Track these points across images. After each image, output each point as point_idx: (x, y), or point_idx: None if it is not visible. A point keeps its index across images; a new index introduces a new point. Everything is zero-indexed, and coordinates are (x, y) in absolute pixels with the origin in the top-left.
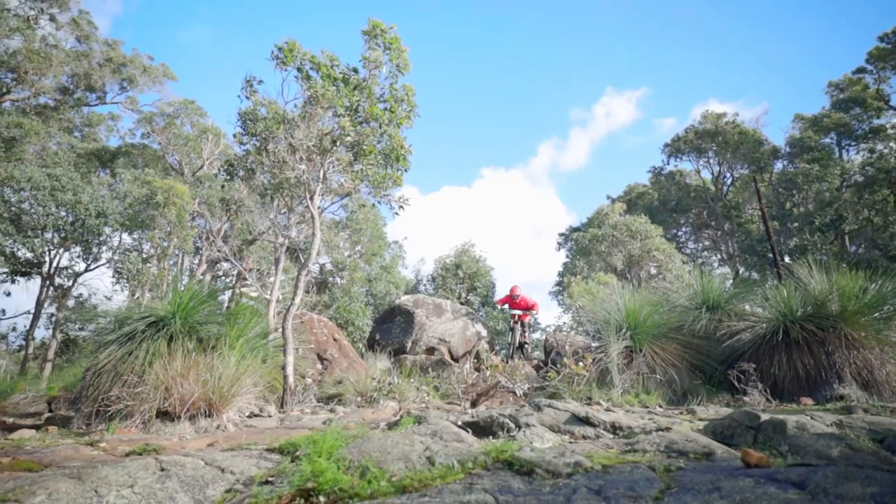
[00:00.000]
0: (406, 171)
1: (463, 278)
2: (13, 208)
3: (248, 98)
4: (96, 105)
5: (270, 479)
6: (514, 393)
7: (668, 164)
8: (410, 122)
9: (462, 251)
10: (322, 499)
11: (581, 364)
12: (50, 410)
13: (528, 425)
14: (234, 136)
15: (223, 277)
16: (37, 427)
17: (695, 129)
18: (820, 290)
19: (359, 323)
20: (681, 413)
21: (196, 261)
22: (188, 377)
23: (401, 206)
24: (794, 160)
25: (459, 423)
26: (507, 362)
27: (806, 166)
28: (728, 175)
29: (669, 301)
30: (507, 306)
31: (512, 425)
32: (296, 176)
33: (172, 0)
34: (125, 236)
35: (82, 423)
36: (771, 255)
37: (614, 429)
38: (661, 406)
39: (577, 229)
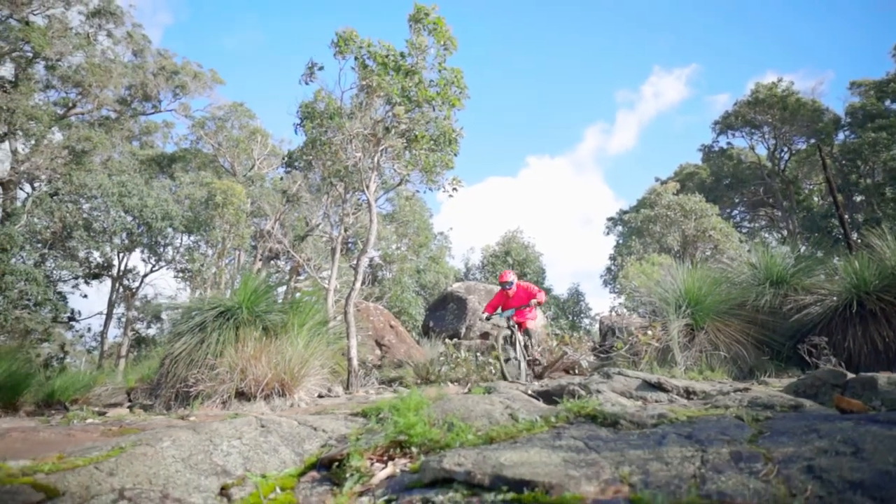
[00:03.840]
0: (456, 154)
1: (512, 265)
2: (86, 215)
3: (307, 83)
4: (152, 113)
5: (360, 436)
6: (580, 365)
7: (719, 141)
8: (462, 104)
9: (510, 238)
10: (414, 449)
11: (650, 333)
12: (129, 400)
13: (598, 391)
14: (294, 126)
15: (277, 274)
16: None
17: (746, 102)
18: None
19: (412, 311)
20: (751, 385)
21: (251, 259)
22: (260, 360)
23: (454, 189)
24: (855, 130)
25: (529, 392)
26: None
27: (872, 135)
28: (785, 150)
29: (729, 278)
30: (499, 312)
31: (583, 393)
32: (353, 164)
33: (219, 8)
34: (185, 237)
35: (163, 408)
36: (836, 230)
37: (688, 393)
38: (727, 381)
39: (626, 212)
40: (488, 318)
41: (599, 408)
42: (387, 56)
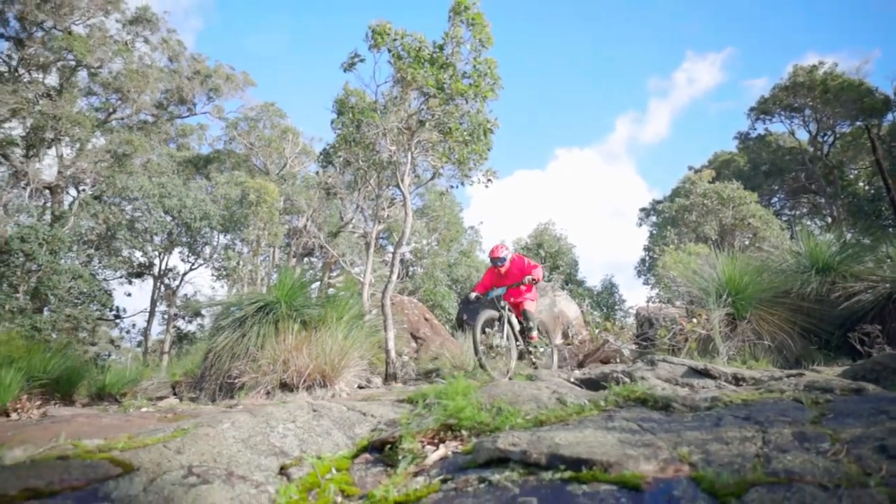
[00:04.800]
0: (489, 149)
1: (544, 257)
2: (129, 216)
3: (345, 71)
4: (187, 116)
5: (410, 420)
6: (622, 354)
7: (756, 127)
8: (495, 95)
9: (542, 230)
10: (464, 432)
11: (695, 321)
12: (174, 393)
13: (643, 378)
14: (332, 122)
15: (310, 271)
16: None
17: (784, 85)
18: None
19: (445, 305)
20: (804, 372)
21: (285, 256)
22: (301, 352)
23: (489, 180)
24: None
25: (572, 379)
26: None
27: None
28: (828, 134)
29: (771, 267)
30: (494, 292)
31: (626, 380)
32: (387, 157)
33: (247, 11)
34: (221, 236)
35: (208, 399)
36: (885, 215)
37: (737, 380)
38: (774, 370)
39: (660, 202)
40: (477, 299)
41: (650, 392)
42: (419, 49)
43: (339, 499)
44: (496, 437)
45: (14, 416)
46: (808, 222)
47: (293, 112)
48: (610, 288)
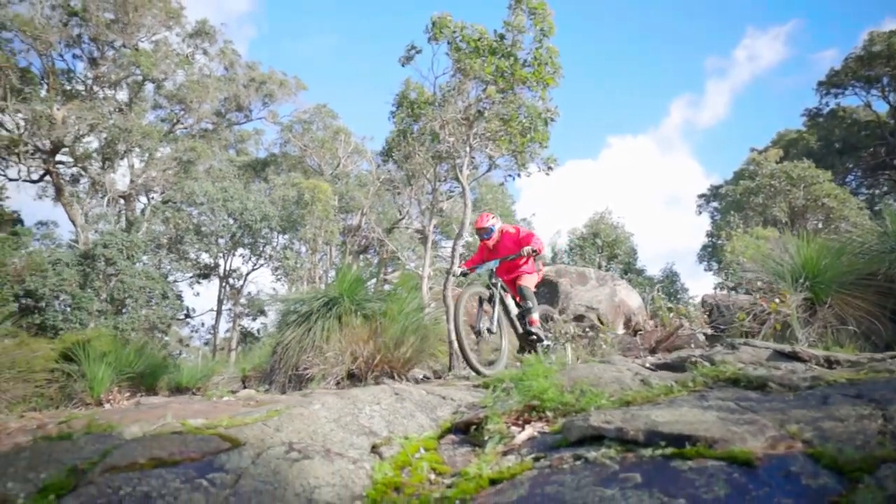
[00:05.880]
0: (547, 139)
1: (601, 247)
2: (195, 220)
3: (403, 65)
4: (244, 123)
5: (493, 402)
6: (696, 339)
7: (827, 102)
8: (556, 83)
9: (598, 219)
10: (549, 413)
11: (777, 300)
12: (244, 386)
13: (723, 363)
14: (391, 114)
15: (369, 268)
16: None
17: (859, 55)
18: None
19: None
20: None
21: (341, 253)
22: (368, 344)
23: (549, 167)
24: None
25: (647, 365)
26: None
27: None
28: None
29: (852, 248)
30: (485, 266)
31: (707, 364)
32: (446, 149)
33: (297, 17)
34: (280, 236)
35: (278, 391)
36: None
37: (829, 363)
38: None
39: (720, 187)
40: (464, 275)
41: (741, 372)
42: (479, 39)
43: (433, 476)
44: (587, 415)
45: (107, 405)
46: (891, 200)
47: (344, 112)
48: (671, 276)
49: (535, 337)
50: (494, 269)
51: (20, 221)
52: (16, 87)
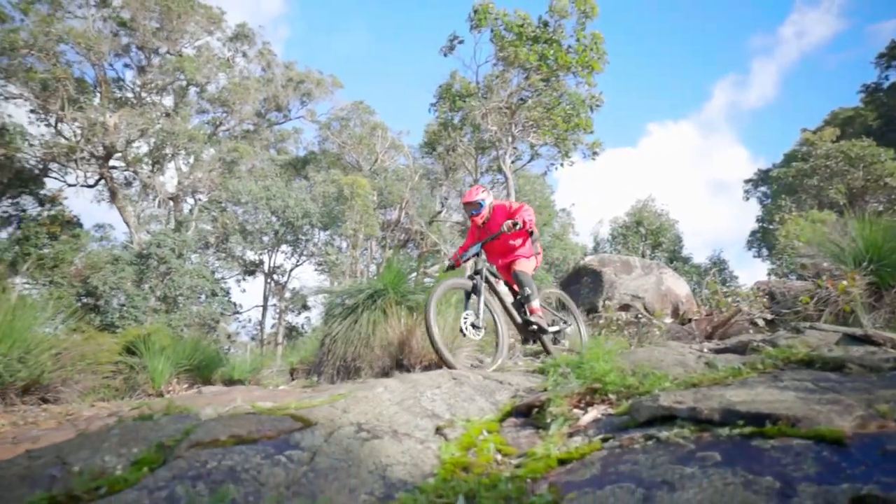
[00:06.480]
0: (591, 128)
1: (645, 235)
2: (240, 219)
3: (445, 55)
4: (283, 123)
5: (554, 385)
6: (756, 324)
7: (885, 76)
8: (601, 68)
9: (641, 207)
10: (612, 396)
11: (845, 283)
12: (292, 378)
13: (790, 346)
14: (432, 105)
15: (410, 262)
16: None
17: None
18: None
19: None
20: None
21: (381, 247)
22: (414, 334)
23: (594, 152)
24: None
25: (704, 350)
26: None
27: None
28: None
29: None
30: (469, 252)
31: (770, 349)
32: (488, 138)
33: (330, 14)
34: (321, 232)
35: (327, 382)
36: None
37: None
38: None
39: (769, 170)
40: (452, 268)
41: (815, 353)
42: (522, 25)
43: (499, 457)
44: (656, 396)
45: (167, 395)
46: None
47: (380, 108)
48: (719, 264)
49: (535, 327)
50: (480, 253)
51: (79, 224)
52: (72, 97)
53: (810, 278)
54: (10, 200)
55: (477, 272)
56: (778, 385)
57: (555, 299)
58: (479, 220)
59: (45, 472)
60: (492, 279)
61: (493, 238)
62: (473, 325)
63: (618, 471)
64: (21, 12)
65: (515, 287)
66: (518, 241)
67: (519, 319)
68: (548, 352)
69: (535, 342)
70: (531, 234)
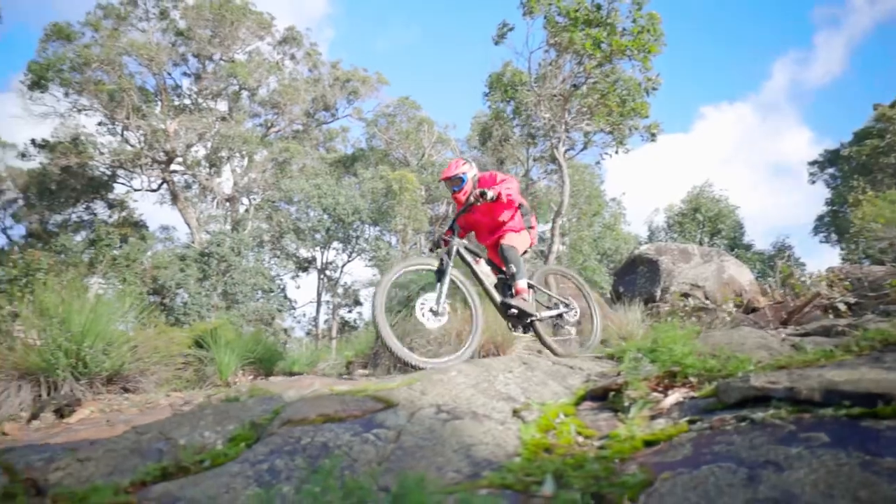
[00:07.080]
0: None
1: (703, 222)
2: (294, 217)
3: (496, 44)
4: (331, 122)
5: (631, 369)
6: (836, 309)
7: None
8: (658, 50)
9: (698, 193)
10: (693, 379)
11: None
12: (348, 371)
13: (881, 330)
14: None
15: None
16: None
17: None
18: None
19: (596, 279)
20: None
21: (429, 243)
22: (471, 323)
23: (653, 134)
24: None
25: (783, 335)
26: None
27: None
28: None
29: None
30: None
31: (857, 333)
32: (541, 126)
33: (372, 13)
34: (371, 228)
35: (384, 374)
36: None
37: None
38: None
39: (837, 151)
40: (433, 249)
41: None
42: (577, 10)
43: (580, 439)
44: (747, 376)
45: (234, 385)
46: None
47: (425, 103)
48: (785, 250)
49: (515, 311)
50: (454, 228)
51: (145, 226)
52: (136, 106)
53: (890, 262)
54: (84, 205)
55: (448, 251)
56: (882, 365)
57: (572, 284)
58: (461, 197)
59: (152, 445)
60: (468, 257)
61: (464, 211)
62: (432, 311)
63: (713, 451)
64: (92, 28)
65: (498, 263)
66: (506, 216)
67: (498, 300)
68: (542, 342)
69: (526, 330)
70: (521, 207)
